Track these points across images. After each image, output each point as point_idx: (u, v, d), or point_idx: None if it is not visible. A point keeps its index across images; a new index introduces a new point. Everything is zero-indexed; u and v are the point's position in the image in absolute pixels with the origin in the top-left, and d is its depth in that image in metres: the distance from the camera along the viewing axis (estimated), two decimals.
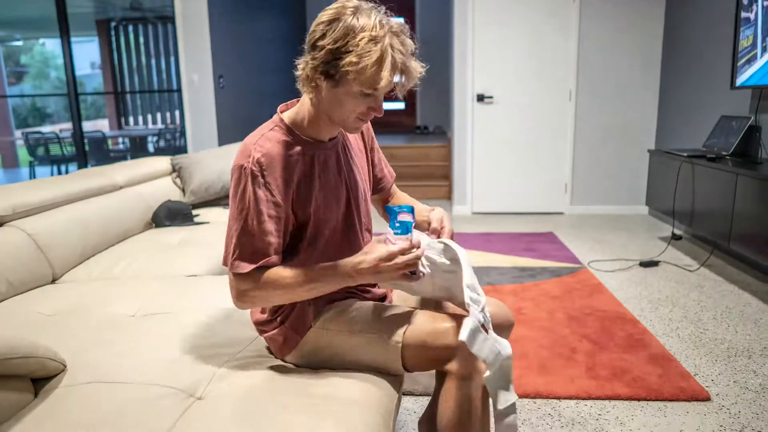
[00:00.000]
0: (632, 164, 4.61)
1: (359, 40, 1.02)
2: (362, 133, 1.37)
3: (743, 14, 3.06)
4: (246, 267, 1.10)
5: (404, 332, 1.15)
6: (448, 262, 1.15)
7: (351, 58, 1.02)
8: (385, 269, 1.08)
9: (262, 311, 1.26)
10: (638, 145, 4.58)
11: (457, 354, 1.12)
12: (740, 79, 3.10)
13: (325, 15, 1.07)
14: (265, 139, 1.13)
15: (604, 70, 4.49)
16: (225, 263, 1.14)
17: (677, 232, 4.02)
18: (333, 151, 1.23)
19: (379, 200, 1.47)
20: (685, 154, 3.23)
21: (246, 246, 1.10)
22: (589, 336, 2.30)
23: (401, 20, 1.13)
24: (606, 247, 3.68)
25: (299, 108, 1.19)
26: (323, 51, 1.04)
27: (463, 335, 1.04)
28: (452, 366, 1.13)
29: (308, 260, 1.19)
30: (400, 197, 1.48)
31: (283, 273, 1.11)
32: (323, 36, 1.04)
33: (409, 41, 1.09)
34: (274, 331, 1.23)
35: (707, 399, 1.82)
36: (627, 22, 4.40)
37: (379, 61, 1.03)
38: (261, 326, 1.26)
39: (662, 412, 1.76)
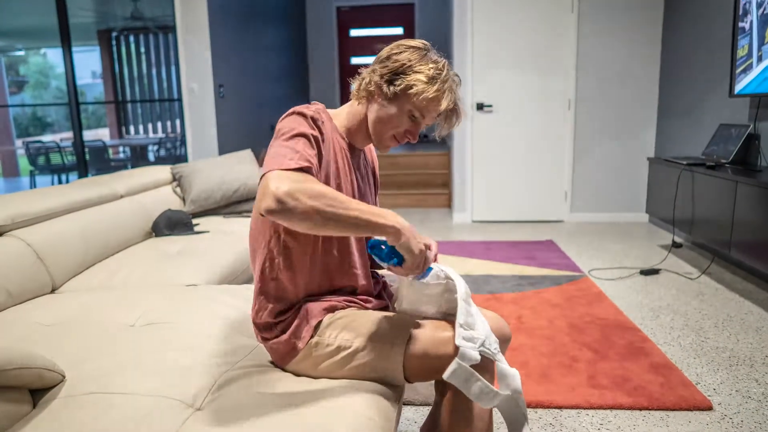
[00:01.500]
0: (632, 172, 4.62)
1: (430, 68, 1.16)
2: (375, 166, 1.44)
3: (739, 24, 3.08)
4: (292, 164, 1.03)
5: (406, 339, 1.15)
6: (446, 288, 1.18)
7: (419, 76, 1.14)
8: (415, 239, 1.09)
9: (263, 312, 1.24)
10: (638, 153, 4.59)
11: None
12: (738, 88, 3.11)
13: (405, 42, 1.20)
14: (317, 110, 1.18)
15: (603, 79, 4.51)
16: (265, 169, 1.06)
17: (677, 239, 4.02)
18: (356, 159, 1.30)
19: None
20: (685, 162, 3.24)
21: (291, 154, 1.06)
22: (589, 344, 2.29)
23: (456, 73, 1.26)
24: (606, 255, 3.68)
25: (342, 110, 1.28)
26: (396, 63, 1.16)
27: (446, 375, 1.05)
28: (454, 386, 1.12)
29: (307, 244, 1.21)
30: None
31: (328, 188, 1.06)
32: (400, 53, 1.17)
33: (459, 86, 1.23)
34: (275, 339, 1.22)
35: (709, 408, 1.81)
36: (625, 32, 4.42)
37: (441, 91, 1.16)
38: (262, 332, 1.25)
39: (664, 421, 1.75)
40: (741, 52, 3.06)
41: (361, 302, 1.30)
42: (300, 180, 1.00)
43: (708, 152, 3.37)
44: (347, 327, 1.19)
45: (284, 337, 1.21)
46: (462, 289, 1.15)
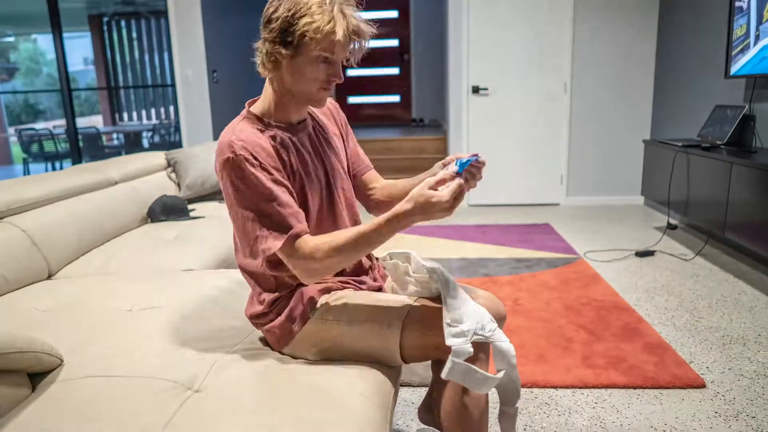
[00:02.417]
0: (628, 155, 4.62)
1: (311, 4, 1.08)
2: (335, 117, 1.38)
3: (736, 3, 3.06)
4: (276, 243, 1.09)
5: (402, 320, 1.16)
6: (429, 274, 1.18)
7: (305, 19, 1.07)
8: (431, 213, 1.05)
9: (257, 304, 1.25)
10: (633, 136, 4.58)
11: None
12: (734, 68, 3.11)
13: None
14: (239, 131, 1.14)
15: (599, 61, 4.48)
16: (251, 255, 1.12)
17: (672, 221, 4.04)
18: (305, 134, 1.25)
19: (359, 188, 1.41)
20: (680, 144, 3.24)
21: (268, 226, 1.10)
22: (585, 326, 2.31)
23: None
24: (602, 237, 3.70)
25: (263, 97, 1.22)
26: (278, 21, 1.09)
27: (444, 374, 1.06)
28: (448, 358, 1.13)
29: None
30: (395, 184, 1.41)
31: (328, 238, 1.10)
32: (276, 10, 1.10)
33: (352, 7, 1.14)
34: (271, 323, 1.23)
35: (702, 386, 1.84)
36: (622, 15, 4.39)
37: (332, 20, 1.08)
38: (256, 320, 1.26)
39: (658, 399, 1.78)
40: (739, 32, 3.05)
41: (356, 283, 1.30)
42: (302, 254, 1.09)
43: (703, 134, 3.37)
44: (343, 308, 1.20)
45: (279, 320, 1.21)
46: (445, 285, 1.14)
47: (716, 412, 1.69)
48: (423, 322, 1.15)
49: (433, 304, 1.18)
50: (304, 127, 1.25)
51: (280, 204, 1.10)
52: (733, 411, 1.70)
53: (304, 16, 1.07)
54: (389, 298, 1.22)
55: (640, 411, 1.71)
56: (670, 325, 2.32)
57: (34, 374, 1.15)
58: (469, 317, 1.10)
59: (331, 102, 1.40)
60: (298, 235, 1.10)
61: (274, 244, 1.09)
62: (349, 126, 1.42)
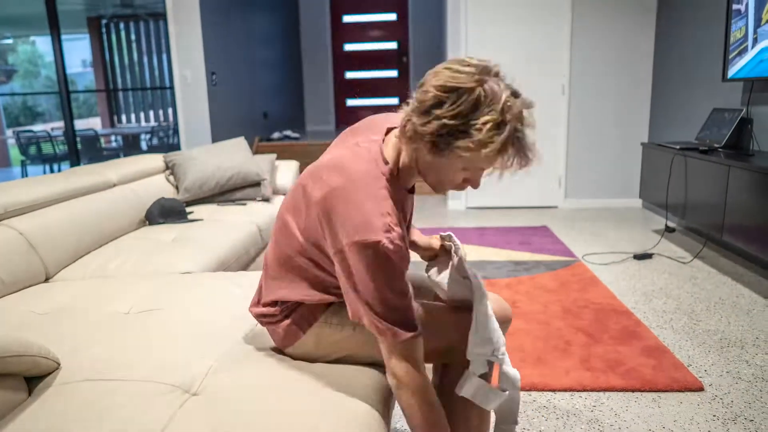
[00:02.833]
0: (625, 157, 4.63)
1: (482, 124, 0.91)
2: None
3: (734, 6, 3.07)
4: (405, 335, 0.99)
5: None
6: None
7: (469, 142, 0.92)
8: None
9: (266, 305, 1.22)
10: (631, 139, 4.59)
11: (457, 347, 1.12)
12: (732, 72, 3.12)
13: (442, 76, 0.94)
14: (391, 208, 0.99)
15: (597, 64, 4.49)
16: (362, 323, 1.03)
17: (670, 224, 4.04)
18: (410, 199, 1.17)
19: None
20: (678, 147, 3.25)
21: (394, 319, 1.00)
22: (583, 328, 2.31)
23: (525, 98, 0.98)
24: (600, 240, 3.70)
25: (394, 150, 1.07)
26: (438, 122, 0.93)
27: (458, 389, 1.08)
28: (454, 360, 1.13)
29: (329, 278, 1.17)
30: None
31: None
32: (439, 104, 0.93)
33: (531, 126, 0.98)
34: (277, 324, 1.22)
35: (700, 389, 1.84)
36: (620, 18, 4.40)
37: (499, 151, 0.94)
38: (263, 318, 1.24)
39: (656, 402, 1.77)
40: (738, 34, 3.05)
41: None
42: (415, 372, 1.00)
43: (701, 137, 3.38)
44: (347, 313, 1.19)
45: (286, 321, 1.20)
46: (480, 299, 1.13)
47: (714, 415, 1.69)
48: (427, 327, 1.14)
49: (437, 308, 1.17)
50: (411, 196, 1.17)
51: (409, 298, 1.02)
52: (731, 414, 1.70)
53: (468, 136, 0.92)
54: None
55: (638, 414, 1.71)
56: (668, 328, 2.32)
57: (31, 378, 1.15)
58: (492, 335, 1.11)
59: None
60: (416, 334, 1.01)
61: (401, 334, 0.99)
62: None
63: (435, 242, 1.32)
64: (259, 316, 1.25)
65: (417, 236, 1.34)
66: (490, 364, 1.14)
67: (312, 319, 1.19)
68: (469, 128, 0.92)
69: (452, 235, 1.29)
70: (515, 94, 0.96)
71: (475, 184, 1.03)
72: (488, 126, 0.91)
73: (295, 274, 1.15)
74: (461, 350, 1.13)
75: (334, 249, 1.00)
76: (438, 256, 1.29)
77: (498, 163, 0.96)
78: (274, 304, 1.22)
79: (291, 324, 1.20)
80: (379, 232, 0.95)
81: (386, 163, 1.05)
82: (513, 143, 0.94)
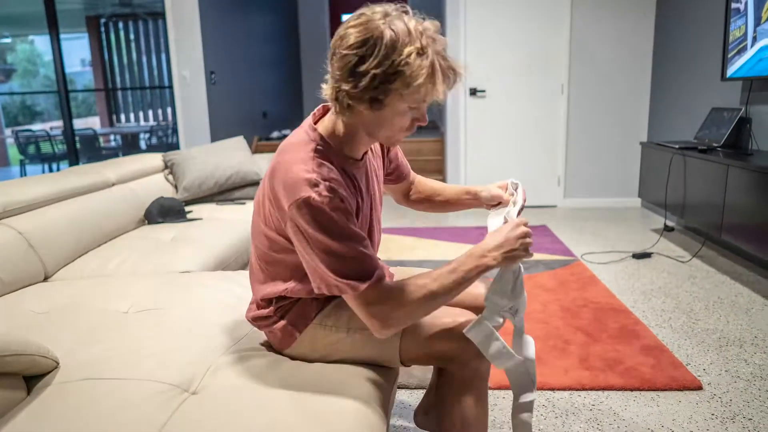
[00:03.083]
0: (625, 157, 4.63)
1: (407, 58, 0.94)
2: (381, 154, 1.34)
3: (733, 5, 3.07)
4: (360, 285, 1.00)
5: (402, 330, 1.14)
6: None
7: (402, 80, 0.95)
8: (509, 250, 1.05)
9: (259, 307, 1.24)
10: (630, 138, 4.60)
11: (457, 355, 1.12)
12: (731, 71, 3.12)
13: (352, 35, 0.96)
14: (317, 164, 1.02)
15: (596, 63, 4.50)
16: (329, 291, 1.03)
17: (669, 223, 4.05)
18: (364, 169, 1.17)
19: (398, 190, 1.45)
20: (677, 146, 3.25)
21: (350, 269, 1.00)
22: (582, 327, 2.31)
23: (432, 20, 1.02)
24: (599, 239, 3.70)
25: (331, 124, 1.10)
26: (367, 77, 0.95)
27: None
28: (453, 368, 1.13)
29: None
30: (428, 183, 1.47)
31: (417, 280, 1.03)
32: (362, 60, 0.95)
33: (443, 40, 1.01)
34: (274, 325, 1.22)
35: (699, 388, 1.84)
36: (619, 17, 4.41)
37: (432, 76, 0.96)
38: (259, 321, 1.25)
39: (655, 401, 1.78)
40: (737, 33, 3.06)
41: None
42: (390, 304, 1.00)
43: (700, 136, 3.38)
44: (343, 315, 1.19)
45: (282, 323, 1.20)
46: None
47: (713, 414, 1.70)
48: (424, 328, 1.14)
49: (441, 312, 1.16)
50: (364, 162, 1.17)
51: (363, 245, 1.02)
52: (730, 413, 1.70)
53: (399, 74, 0.94)
54: None
55: (637, 413, 1.72)
56: (667, 327, 2.32)
57: (29, 377, 1.15)
58: (515, 292, 1.11)
59: None
60: (382, 278, 1.02)
61: (358, 285, 1.00)
62: None
63: (498, 192, 1.35)
64: (255, 320, 1.25)
65: (483, 191, 1.37)
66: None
67: (306, 319, 1.19)
68: (397, 68, 0.94)
69: (519, 184, 1.30)
70: (422, 20, 1.01)
71: (423, 119, 1.06)
72: (413, 56, 0.94)
73: (273, 268, 1.17)
74: (463, 359, 1.12)
75: (284, 222, 1.04)
76: (501, 204, 1.33)
77: (437, 87, 0.98)
78: (267, 304, 1.22)
79: (286, 324, 1.20)
80: (307, 188, 0.98)
81: (321, 138, 1.08)
82: (440, 63, 0.98)
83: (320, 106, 1.17)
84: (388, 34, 0.95)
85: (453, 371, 1.14)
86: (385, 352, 1.16)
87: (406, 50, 0.94)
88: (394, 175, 1.40)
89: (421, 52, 0.95)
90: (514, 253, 1.05)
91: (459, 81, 1.03)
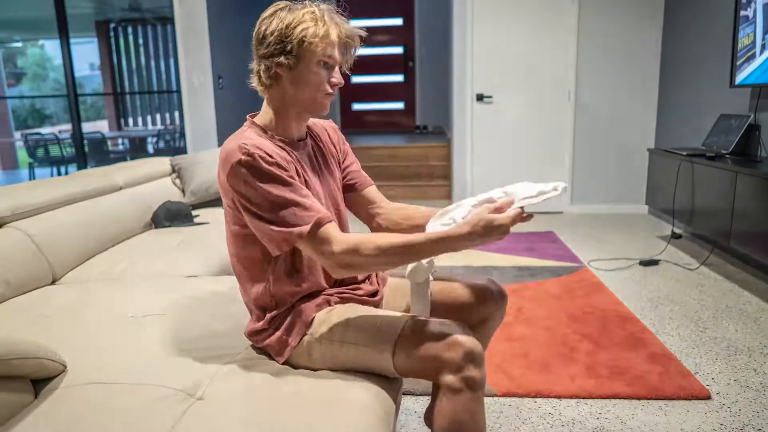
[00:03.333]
0: (632, 163, 4.61)
1: (303, 15, 1.13)
2: (331, 138, 1.38)
3: (742, 12, 3.06)
4: (304, 229, 1.08)
5: (393, 345, 1.13)
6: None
7: (300, 27, 1.12)
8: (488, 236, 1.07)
9: (258, 319, 1.25)
10: (638, 144, 4.58)
11: (446, 367, 1.10)
12: (739, 78, 3.10)
13: (264, 15, 1.17)
14: (246, 137, 1.14)
15: (603, 70, 4.49)
16: (278, 249, 1.11)
17: (677, 230, 4.02)
18: (306, 152, 1.26)
19: (358, 203, 1.41)
20: (685, 153, 3.23)
21: (294, 217, 1.08)
22: (589, 335, 2.30)
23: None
24: (606, 246, 3.68)
25: (264, 113, 1.23)
26: (273, 35, 1.13)
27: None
28: (444, 379, 1.11)
29: (297, 258, 1.21)
30: (397, 211, 1.39)
31: (372, 237, 1.09)
32: (268, 26, 1.14)
33: (343, 17, 1.19)
34: (269, 339, 1.23)
35: (708, 397, 1.82)
36: (626, 21, 4.40)
37: (326, 25, 1.13)
38: (255, 336, 1.26)
39: (662, 411, 1.76)
40: (746, 41, 3.04)
41: (350, 291, 1.30)
42: (340, 248, 1.08)
43: (708, 143, 3.36)
44: (335, 329, 1.18)
45: (277, 335, 1.21)
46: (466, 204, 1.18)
47: (722, 424, 1.68)
48: (415, 344, 1.11)
49: (428, 322, 1.15)
50: (304, 146, 1.26)
51: (302, 195, 1.11)
52: (739, 423, 1.69)
53: (298, 25, 1.12)
54: (384, 317, 1.19)
55: (644, 422, 1.70)
56: (674, 335, 2.31)
57: (37, 380, 1.15)
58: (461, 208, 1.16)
59: (330, 124, 1.41)
60: (322, 220, 1.09)
61: (304, 228, 1.08)
62: (348, 145, 1.43)
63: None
64: (252, 336, 1.26)
65: (422, 210, 1.37)
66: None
67: (299, 330, 1.20)
68: (297, 23, 1.12)
69: (506, 193, 1.25)
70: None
71: (339, 80, 1.19)
72: (307, 14, 1.13)
73: (250, 268, 1.23)
74: (452, 370, 1.09)
75: (230, 199, 1.14)
76: None
77: (335, 33, 1.14)
78: (262, 314, 1.24)
79: (281, 336, 1.21)
80: (238, 153, 1.09)
81: (253, 123, 1.22)
82: (334, 20, 1.15)
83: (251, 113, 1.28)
84: (283, 4, 1.17)
85: (444, 383, 1.12)
86: (380, 365, 1.15)
87: (302, 11, 1.14)
88: (350, 179, 1.39)
89: (313, 12, 1.14)
90: (489, 239, 1.07)
91: (355, 41, 1.19)
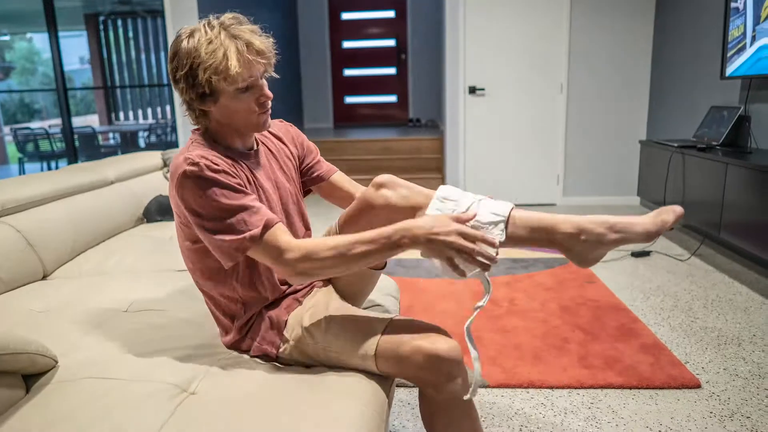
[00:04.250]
0: (624, 155, 4.63)
1: (200, 50, 1.07)
2: (285, 135, 1.38)
3: (732, 4, 3.07)
4: (256, 232, 1.06)
5: (375, 347, 1.12)
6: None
7: (201, 67, 1.06)
8: (462, 249, 1.05)
9: (230, 333, 1.25)
10: (629, 136, 4.60)
11: (430, 381, 1.09)
12: (730, 69, 3.12)
13: (170, 51, 1.12)
14: (193, 150, 1.11)
15: (595, 62, 4.49)
16: (231, 260, 1.09)
17: None
18: (257, 161, 1.24)
19: (330, 192, 1.43)
20: (676, 145, 3.25)
21: (244, 224, 1.06)
22: (581, 326, 2.31)
23: (232, 14, 1.17)
24: None
25: (207, 129, 1.20)
26: (183, 81, 1.09)
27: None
28: (428, 391, 1.11)
29: (253, 264, 1.21)
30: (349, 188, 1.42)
31: (320, 240, 1.08)
32: (176, 70, 1.10)
33: (243, 25, 1.13)
34: (251, 349, 1.23)
35: (698, 386, 1.84)
36: (618, 16, 4.40)
37: (225, 53, 1.06)
38: (236, 346, 1.25)
39: (653, 400, 1.78)
40: (736, 32, 3.06)
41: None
42: (292, 254, 1.05)
43: (699, 134, 3.38)
44: (314, 331, 1.18)
45: (256, 345, 1.22)
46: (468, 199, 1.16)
47: (711, 412, 1.70)
48: (398, 349, 1.10)
49: (410, 325, 1.14)
50: (255, 155, 1.24)
51: (251, 200, 1.09)
52: (728, 411, 1.71)
53: (199, 65, 1.06)
54: (365, 318, 1.18)
55: (636, 411, 1.72)
56: (665, 325, 2.33)
57: (28, 376, 1.14)
58: (466, 199, 1.14)
59: (283, 123, 1.41)
60: (270, 222, 1.07)
61: (253, 233, 1.05)
62: (304, 136, 1.43)
63: None
64: (232, 348, 1.26)
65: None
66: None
67: (275, 341, 1.20)
68: (197, 61, 1.07)
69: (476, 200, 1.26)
70: (216, 17, 1.14)
71: (266, 95, 1.14)
72: (203, 47, 1.06)
73: (208, 278, 1.22)
74: (433, 385, 1.09)
75: (181, 213, 1.13)
76: None
77: (234, 64, 1.06)
78: (228, 327, 1.24)
79: (260, 346, 1.21)
80: (184, 165, 1.08)
81: (200, 137, 1.18)
82: (232, 37, 1.08)
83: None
84: (185, 43, 1.09)
85: (429, 394, 1.12)
86: (365, 365, 1.15)
87: (198, 44, 1.07)
88: (315, 171, 1.40)
89: (209, 41, 1.07)
90: (444, 241, 1.04)
91: (261, 52, 1.11)
